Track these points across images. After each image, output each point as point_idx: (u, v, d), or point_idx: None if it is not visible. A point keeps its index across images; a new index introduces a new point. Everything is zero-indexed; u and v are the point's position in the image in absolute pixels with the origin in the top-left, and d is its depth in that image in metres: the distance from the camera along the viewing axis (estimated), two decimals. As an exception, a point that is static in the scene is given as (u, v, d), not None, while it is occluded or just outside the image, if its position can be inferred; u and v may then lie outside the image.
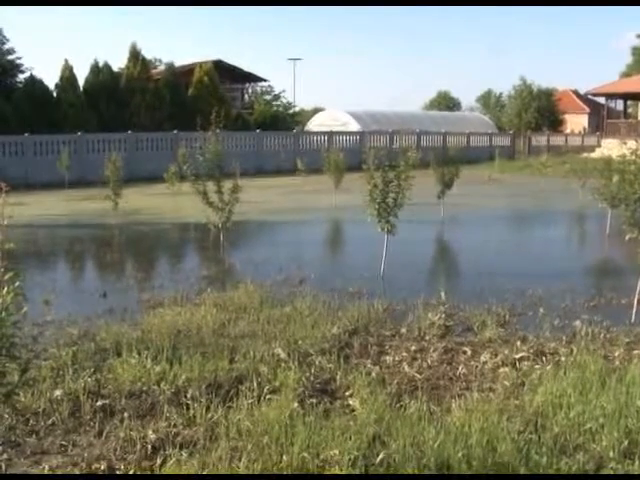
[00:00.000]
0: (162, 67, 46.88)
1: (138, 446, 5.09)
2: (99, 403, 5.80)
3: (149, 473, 4.81)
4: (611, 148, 37.30)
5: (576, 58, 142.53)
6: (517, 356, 6.97)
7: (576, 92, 75.13)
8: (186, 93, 40.58)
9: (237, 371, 6.44)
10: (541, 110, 60.56)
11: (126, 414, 5.60)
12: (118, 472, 4.81)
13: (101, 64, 38.18)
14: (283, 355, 6.85)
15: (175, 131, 33.07)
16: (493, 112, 75.77)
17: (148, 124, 36.84)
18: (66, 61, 36.25)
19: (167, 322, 8.08)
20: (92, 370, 6.46)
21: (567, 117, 67.18)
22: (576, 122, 69.01)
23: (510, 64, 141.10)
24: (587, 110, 72.95)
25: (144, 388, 6.08)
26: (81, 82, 37.27)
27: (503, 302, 9.22)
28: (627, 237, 9.43)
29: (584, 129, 65.29)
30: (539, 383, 6.17)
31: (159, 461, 4.90)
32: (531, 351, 7.14)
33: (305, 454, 4.80)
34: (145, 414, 5.67)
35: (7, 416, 5.38)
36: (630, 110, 51.17)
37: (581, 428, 5.27)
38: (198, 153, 13.42)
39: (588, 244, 16.10)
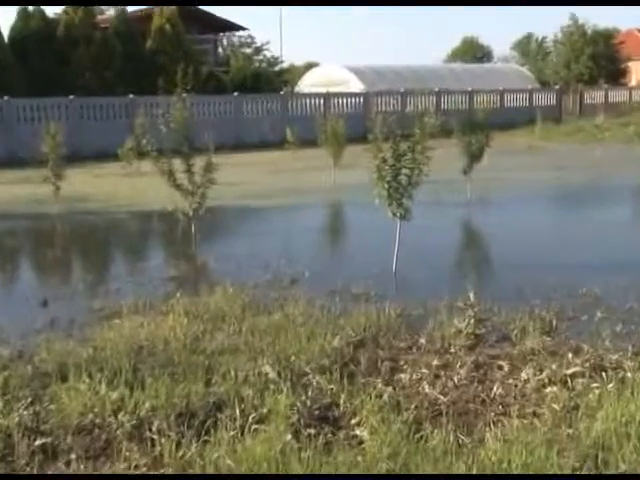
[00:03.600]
0: (111, 12, 46.66)
1: (90, 495, 5.10)
2: (38, 442, 5.77)
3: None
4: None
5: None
6: (569, 372, 6.95)
7: (645, 31, 74.22)
8: (143, 46, 40.46)
9: (215, 396, 6.45)
10: (597, 58, 59.72)
11: (73, 455, 5.58)
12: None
13: (31, 8, 37.85)
14: (272, 375, 6.85)
15: (131, 95, 33.05)
16: (534, 63, 75.61)
17: (96, 86, 36.69)
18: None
19: (126, 336, 8.08)
20: (29, 400, 6.43)
21: (632, 65, 65.93)
22: (645, 71, 68.15)
23: None
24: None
25: (97, 421, 6.07)
26: (5, 32, 37.03)
27: (549, 303, 9.23)
28: None
29: (656, 80, 64.63)
30: (598, 406, 6.17)
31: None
32: (587, 365, 7.12)
33: (301, 499, 4.82)
34: (98, 454, 5.67)
35: None
36: None
37: (654, 463, 5.28)
38: (161, 123, 13.40)
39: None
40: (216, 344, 7.86)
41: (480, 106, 23.35)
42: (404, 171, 10.98)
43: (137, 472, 5.32)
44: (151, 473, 5.17)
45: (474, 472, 5.05)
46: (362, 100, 38.74)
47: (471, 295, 9.26)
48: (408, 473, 5.00)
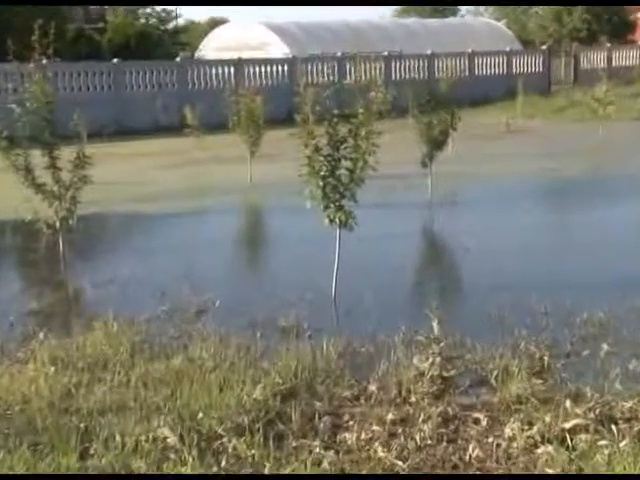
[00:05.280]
0: None
1: None
2: None
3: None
4: None
5: None
6: (567, 425, 7.02)
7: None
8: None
9: (94, 471, 6.40)
10: (597, 8, 60.28)
11: None
12: None
13: None
14: (172, 439, 6.82)
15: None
16: (513, 16, 76.47)
17: None
18: None
19: (-31, 394, 7.98)
20: None
21: (642, 17, 66.83)
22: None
23: None
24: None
25: None
26: None
27: (538, 334, 9.36)
28: None
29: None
30: (608, 470, 6.25)
31: None
32: (591, 416, 7.19)
33: None
34: None
35: None
36: None
37: None
38: (12, 101, 13.28)
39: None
40: (95, 400, 7.79)
41: (443, 74, 23.57)
42: (344, 163, 11.03)
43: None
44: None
45: None
46: (287, 69, 38.77)
47: (435, 325, 9.33)
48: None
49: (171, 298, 11.29)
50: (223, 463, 6.50)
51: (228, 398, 7.62)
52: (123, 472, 6.35)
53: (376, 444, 6.89)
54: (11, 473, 5.68)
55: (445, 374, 8.18)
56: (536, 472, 6.38)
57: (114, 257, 15.03)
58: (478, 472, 6.46)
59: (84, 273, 13.51)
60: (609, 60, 48.75)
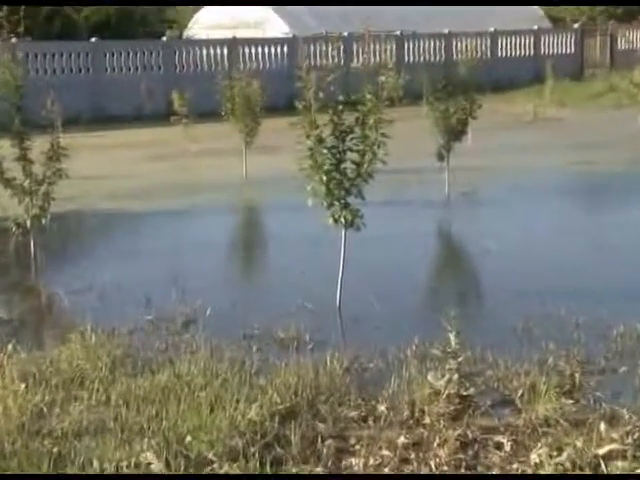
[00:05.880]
0: None
1: None
2: None
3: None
4: None
5: None
6: (601, 451, 7.01)
7: None
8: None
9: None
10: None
11: None
12: None
13: None
14: (157, 465, 6.82)
15: None
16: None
17: None
18: None
19: None
20: None
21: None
22: None
23: None
24: None
25: None
26: None
27: (569, 348, 9.34)
28: None
29: None
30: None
31: None
32: (628, 441, 7.19)
33: None
34: None
35: None
36: None
37: None
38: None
39: None
40: (71, 422, 7.78)
41: (462, 56, 23.52)
42: (350, 156, 11.03)
43: None
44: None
45: None
46: (287, 50, 38.74)
47: (452, 338, 9.32)
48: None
49: (156, 306, 11.30)
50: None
51: (220, 419, 7.60)
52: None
53: (386, 470, 6.89)
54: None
55: (463, 393, 8.16)
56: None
57: (92, 261, 15.01)
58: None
59: (58, 278, 13.51)
60: (649, 40, 48.55)
